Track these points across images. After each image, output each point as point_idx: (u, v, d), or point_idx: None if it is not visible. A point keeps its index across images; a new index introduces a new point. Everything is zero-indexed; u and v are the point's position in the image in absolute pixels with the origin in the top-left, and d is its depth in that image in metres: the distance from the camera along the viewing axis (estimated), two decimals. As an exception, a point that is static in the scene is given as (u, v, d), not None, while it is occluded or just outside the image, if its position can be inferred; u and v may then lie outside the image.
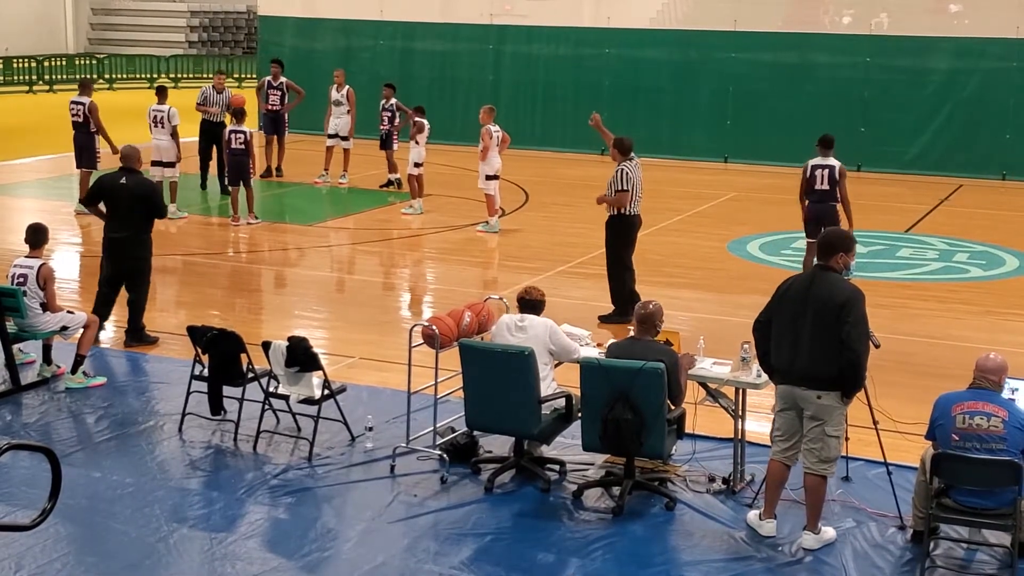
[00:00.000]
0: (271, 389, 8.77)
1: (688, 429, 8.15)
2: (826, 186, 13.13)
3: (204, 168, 19.71)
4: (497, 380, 7.92)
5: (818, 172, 13.17)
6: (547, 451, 8.59)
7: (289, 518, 7.62)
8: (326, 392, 8.65)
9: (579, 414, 7.94)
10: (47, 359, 10.15)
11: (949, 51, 22.75)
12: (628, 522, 7.60)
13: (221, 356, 8.85)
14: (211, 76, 38.26)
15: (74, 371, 9.91)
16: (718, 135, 24.18)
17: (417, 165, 17.90)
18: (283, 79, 20.93)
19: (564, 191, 20.31)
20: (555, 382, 8.22)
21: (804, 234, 13.69)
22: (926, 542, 7.01)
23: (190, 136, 19.48)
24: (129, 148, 11.32)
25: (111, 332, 11.43)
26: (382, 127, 19.90)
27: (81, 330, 10.02)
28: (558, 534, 7.44)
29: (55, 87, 37.47)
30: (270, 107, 20.88)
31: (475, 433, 8.54)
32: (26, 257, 10.06)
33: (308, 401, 8.63)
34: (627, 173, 11.86)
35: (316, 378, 8.69)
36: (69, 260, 14.76)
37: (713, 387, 8.17)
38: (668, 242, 16.06)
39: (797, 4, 25.19)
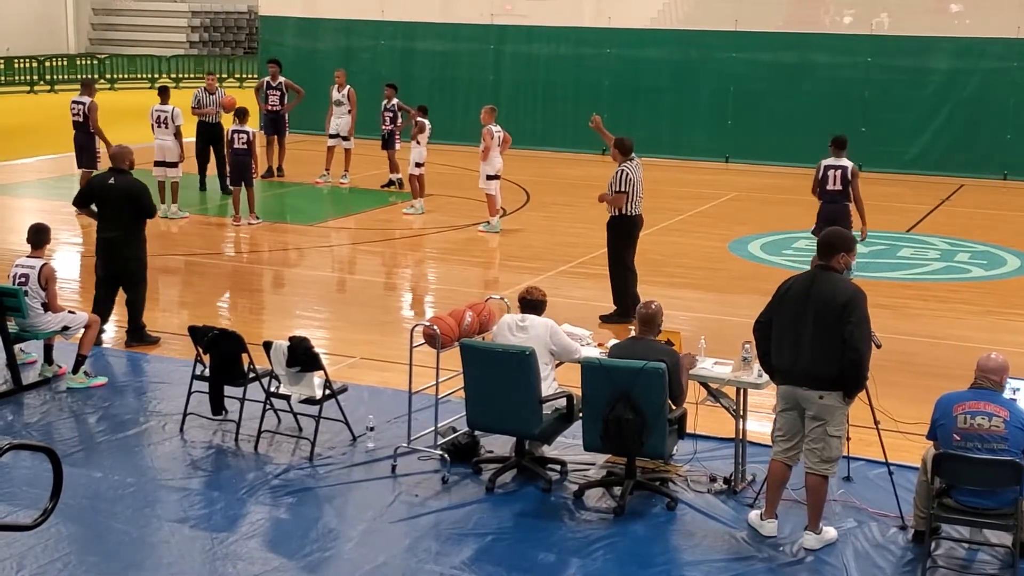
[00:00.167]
0: (272, 389, 8.77)
1: (689, 429, 8.15)
2: (838, 186, 13.14)
3: (203, 169, 19.71)
4: (498, 380, 7.92)
5: (831, 172, 13.18)
6: (548, 451, 8.59)
7: (290, 518, 7.62)
8: (327, 392, 8.65)
9: (580, 414, 7.94)
10: (48, 359, 10.16)
11: (950, 51, 22.75)
12: (629, 522, 7.60)
13: (222, 356, 8.85)
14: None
15: (75, 371, 9.92)
16: (719, 135, 24.18)
17: (418, 165, 17.91)
18: (282, 79, 20.91)
19: (565, 191, 20.31)
20: (556, 382, 8.22)
21: (810, 233, 13.71)
22: (927, 542, 7.01)
23: (188, 137, 19.47)
24: (118, 148, 11.31)
25: (112, 332, 11.43)
26: (384, 127, 19.90)
27: (82, 330, 10.02)
28: (559, 534, 7.44)
29: (56, 87, 37.49)
30: (270, 107, 20.87)
31: (476, 433, 8.54)
32: (28, 257, 10.06)
33: (309, 401, 8.63)
34: (627, 174, 11.86)
35: (317, 378, 8.70)
36: (70, 260, 14.76)
37: (714, 387, 8.18)
38: (669, 242, 16.06)
39: (798, 4, 25.19)
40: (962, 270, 15.12)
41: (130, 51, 44.42)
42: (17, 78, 38.41)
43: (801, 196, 19.60)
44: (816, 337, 7.01)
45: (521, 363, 7.80)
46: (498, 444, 8.68)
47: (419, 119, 18.06)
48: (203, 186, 19.76)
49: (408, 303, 13.98)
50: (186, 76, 40.71)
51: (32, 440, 8.37)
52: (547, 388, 8.00)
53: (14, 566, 6.81)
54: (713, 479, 8.16)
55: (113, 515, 7.61)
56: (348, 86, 20.78)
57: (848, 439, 7.67)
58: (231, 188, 17.40)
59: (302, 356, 8.56)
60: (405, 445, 8.43)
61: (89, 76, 35.30)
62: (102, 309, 10.92)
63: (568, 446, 8.54)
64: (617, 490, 7.92)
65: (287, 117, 21.28)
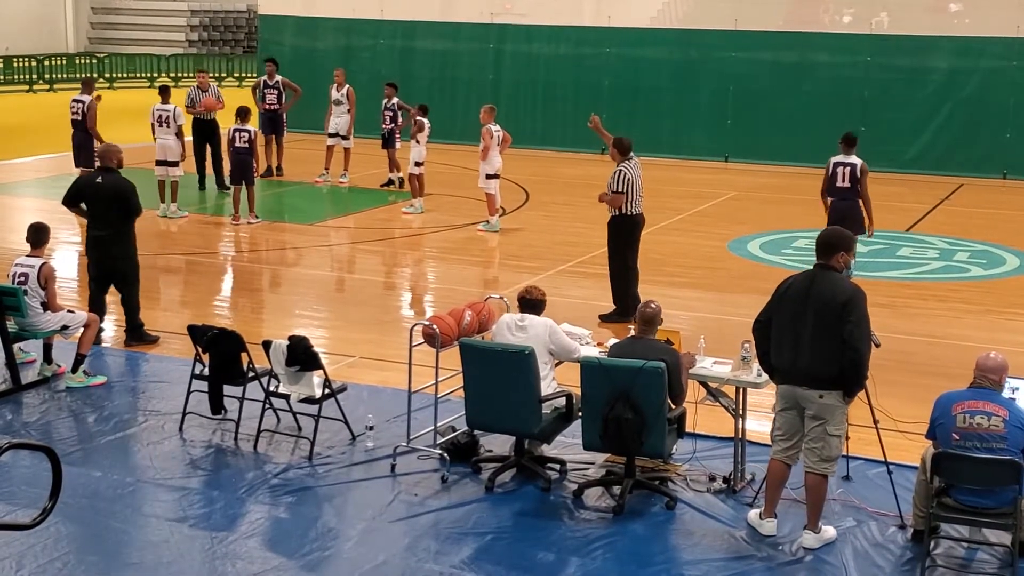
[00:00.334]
0: (272, 388, 8.77)
1: (689, 428, 8.16)
2: (847, 184, 13.14)
3: (201, 168, 19.72)
4: (498, 379, 7.92)
5: (840, 170, 13.18)
6: (548, 450, 8.59)
7: (290, 517, 7.62)
8: (327, 391, 8.65)
9: (579, 413, 7.94)
10: (47, 358, 10.16)
11: (949, 50, 22.75)
12: (628, 521, 7.60)
13: (222, 355, 8.85)
14: (211, 75, 38.32)
15: (74, 370, 9.92)
16: (718, 134, 24.18)
17: (418, 164, 17.92)
18: (279, 77, 20.86)
19: (564, 190, 20.31)
20: (555, 381, 8.22)
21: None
22: (926, 541, 7.01)
23: (188, 136, 19.47)
24: (106, 147, 11.31)
25: (111, 331, 11.43)
26: (384, 126, 19.89)
27: (81, 329, 10.02)
28: (559, 533, 7.44)
29: (55, 86, 37.47)
30: (267, 106, 20.82)
31: (476, 432, 8.54)
32: (27, 256, 10.06)
33: (309, 400, 8.63)
34: (625, 174, 11.86)
35: (317, 377, 8.70)
36: (70, 259, 14.76)
37: (714, 386, 8.18)
38: (669, 241, 16.06)
39: (797, 3, 25.18)
40: (961, 269, 15.12)
41: (129, 50, 44.42)
42: (16, 77, 38.42)
43: (801, 195, 19.67)
44: (816, 336, 7.01)
45: (520, 362, 7.80)
46: (497, 443, 8.69)
47: (418, 118, 18.06)
48: (202, 185, 19.77)
49: (407, 302, 13.98)
50: (185, 75, 40.66)
51: (31, 439, 8.37)
52: (546, 387, 8.00)
53: (13, 565, 6.81)
54: (712, 478, 8.16)
55: (112, 514, 7.61)
56: (347, 85, 20.76)
57: (847, 438, 7.67)
58: (227, 186, 17.39)
59: (301, 355, 8.56)
60: (404, 444, 8.43)
61: (90, 75, 35.27)
62: (97, 307, 10.92)
63: (567, 445, 8.54)
64: (616, 489, 7.92)
65: (285, 116, 21.26)
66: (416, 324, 8.52)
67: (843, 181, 13.14)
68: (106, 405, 9.50)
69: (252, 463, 8.44)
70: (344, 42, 27.02)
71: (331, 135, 20.73)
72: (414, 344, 8.40)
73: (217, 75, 40.20)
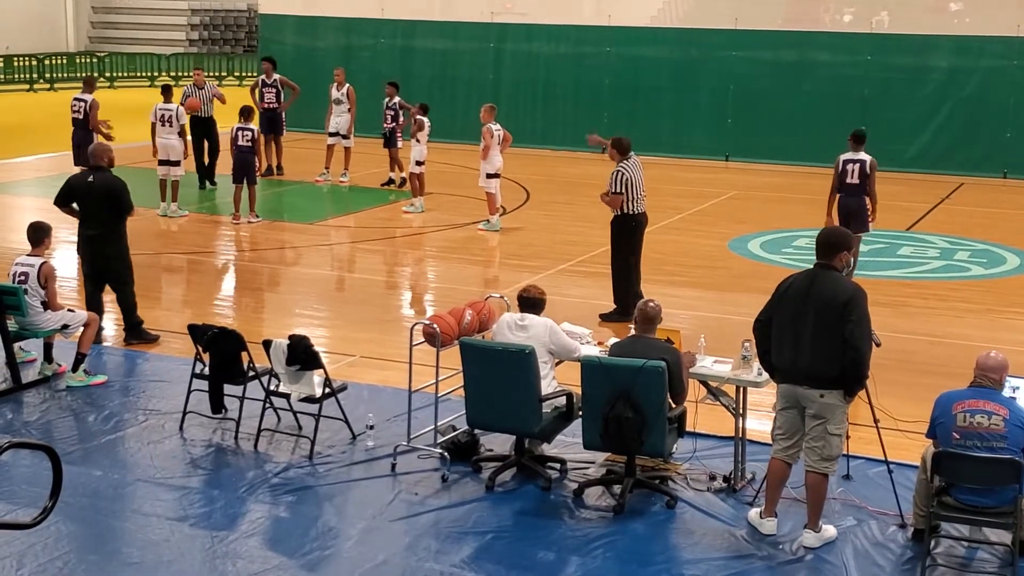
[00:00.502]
0: (272, 387, 8.77)
1: (689, 427, 8.15)
2: (856, 180, 13.25)
3: (200, 167, 19.72)
4: (498, 378, 7.92)
5: (849, 167, 13.28)
6: (548, 449, 8.59)
7: (290, 516, 7.62)
8: (327, 390, 8.65)
9: (580, 412, 7.94)
10: (48, 357, 10.16)
11: (949, 49, 22.75)
12: (629, 520, 7.60)
13: (222, 354, 8.85)
14: (211, 74, 38.36)
15: (75, 369, 9.92)
16: (719, 133, 24.18)
17: (419, 163, 17.92)
18: (276, 76, 20.85)
19: (565, 189, 20.31)
20: (556, 380, 8.22)
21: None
22: (927, 540, 7.01)
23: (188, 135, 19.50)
24: (97, 146, 11.31)
25: (112, 330, 11.43)
26: (385, 125, 19.89)
27: (82, 328, 10.02)
28: (559, 532, 7.44)
29: (56, 85, 37.48)
30: (266, 105, 20.78)
31: (476, 431, 8.54)
32: (27, 255, 10.06)
33: (309, 399, 8.63)
34: (623, 174, 11.84)
35: (317, 376, 8.70)
36: (70, 258, 14.74)
37: (714, 385, 8.18)
38: (669, 240, 16.05)
39: (798, 2, 25.20)
40: (962, 268, 15.12)
41: (130, 49, 44.41)
42: (17, 76, 38.42)
43: (801, 194, 19.69)
44: (816, 336, 7.01)
45: (521, 361, 7.80)
46: (498, 442, 8.69)
47: (418, 117, 18.06)
48: (202, 184, 19.77)
49: (408, 301, 13.98)
50: (185, 74, 40.61)
51: (31, 438, 8.38)
52: (547, 386, 8.00)
53: (14, 564, 6.81)
54: (713, 477, 8.16)
55: (113, 513, 7.62)
56: (347, 84, 20.76)
57: (848, 437, 7.67)
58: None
59: (302, 354, 8.56)
60: (405, 443, 8.43)
61: (91, 74, 35.28)
62: (95, 306, 10.92)
63: (568, 444, 8.54)
64: (617, 488, 7.92)
65: (284, 115, 21.24)
66: (416, 323, 8.51)
67: (852, 177, 13.26)
68: (106, 404, 9.50)
69: (252, 462, 8.44)
70: (344, 41, 27.02)
71: (331, 134, 20.73)
72: (414, 343, 8.40)
73: (218, 74, 40.21)
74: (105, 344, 11.05)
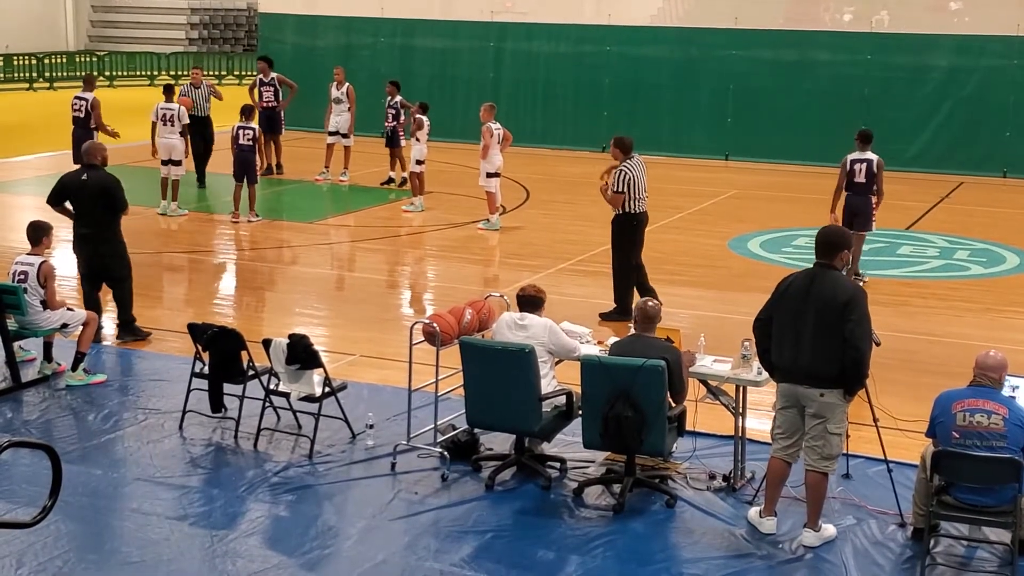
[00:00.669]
0: (272, 387, 8.77)
1: (689, 426, 8.15)
2: (864, 179, 13.51)
3: (198, 165, 19.71)
4: (498, 378, 7.92)
5: (857, 166, 13.52)
6: (548, 448, 8.59)
7: (290, 516, 7.62)
8: (327, 389, 8.65)
9: (580, 411, 7.94)
10: (47, 356, 10.15)
11: (950, 48, 22.75)
12: (629, 519, 7.60)
13: (222, 353, 8.85)
14: (211, 73, 38.33)
15: (74, 368, 9.92)
16: (719, 133, 24.18)
17: (419, 162, 17.92)
18: (274, 75, 20.82)
19: (565, 189, 20.31)
20: (555, 379, 8.22)
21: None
22: (926, 539, 7.01)
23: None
24: (91, 144, 11.31)
25: (111, 329, 11.43)
26: (387, 124, 19.89)
27: (81, 327, 10.02)
28: (559, 531, 7.44)
29: (55, 84, 37.48)
30: (264, 104, 20.75)
31: (476, 430, 8.54)
32: (27, 254, 10.06)
33: (309, 399, 8.63)
34: (626, 174, 11.84)
35: (317, 375, 8.69)
36: (69, 257, 14.73)
37: (714, 384, 8.18)
38: (669, 240, 16.05)
39: (798, 2, 25.21)
40: (961, 268, 15.13)
41: (129, 48, 44.41)
42: (16, 75, 38.42)
43: (801, 194, 19.70)
44: (817, 335, 7.01)
45: (520, 361, 7.80)
46: (498, 442, 8.69)
47: (418, 116, 18.05)
48: (201, 183, 19.75)
49: (408, 300, 13.98)
50: (185, 74, 40.47)
51: (31, 438, 8.38)
52: (546, 386, 8.00)
53: (13, 563, 6.81)
54: (712, 476, 8.16)
55: (112, 512, 7.62)
56: (347, 83, 20.75)
57: (848, 436, 7.66)
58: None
59: (301, 353, 8.56)
60: (405, 443, 8.42)
61: (92, 73, 35.27)
62: (93, 305, 10.91)
63: (568, 443, 8.53)
64: (616, 487, 7.92)
65: (283, 114, 21.22)
66: (416, 322, 8.51)
67: (860, 177, 13.53)
68: (106, 403, 9.50)
69: (252, 461, 8.44)
70: (344, 40, 27.02)
71: (331, 133, 20.72)
72: (414, 342, 8.40)
73: (217, 73, 40.20)
74: (104, 343, 11.04)
